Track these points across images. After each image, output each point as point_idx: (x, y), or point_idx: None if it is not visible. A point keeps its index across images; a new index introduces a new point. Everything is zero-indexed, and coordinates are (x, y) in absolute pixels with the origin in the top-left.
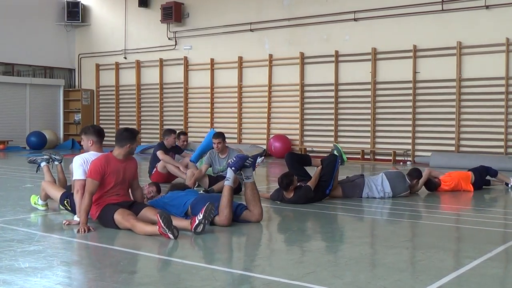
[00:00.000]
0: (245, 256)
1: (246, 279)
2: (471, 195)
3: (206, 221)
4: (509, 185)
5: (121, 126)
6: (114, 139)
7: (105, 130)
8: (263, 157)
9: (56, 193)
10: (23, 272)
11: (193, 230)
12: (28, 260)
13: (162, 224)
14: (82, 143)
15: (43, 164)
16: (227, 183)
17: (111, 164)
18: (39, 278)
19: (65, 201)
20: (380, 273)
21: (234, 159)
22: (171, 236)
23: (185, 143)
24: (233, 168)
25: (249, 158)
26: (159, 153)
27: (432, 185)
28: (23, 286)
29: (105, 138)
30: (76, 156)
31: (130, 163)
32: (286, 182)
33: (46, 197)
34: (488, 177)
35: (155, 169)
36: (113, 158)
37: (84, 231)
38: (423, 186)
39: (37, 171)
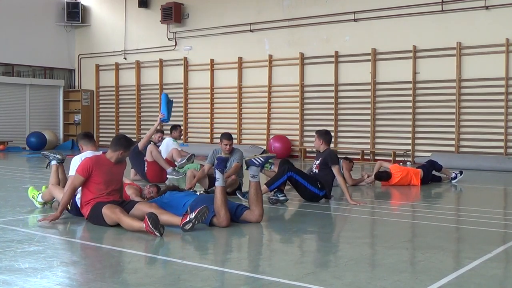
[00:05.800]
0: (245, 256)
1: (246, 279)
2: (467, 193)
3: (197, 222)
4: (454, 177)
5: (121, 127)
6: (111, 140)
7: (105, 130)
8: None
9: (61, 196)
10: (23, 272)
11: (181, 226)
12: (28, 260)
13: (149, 224)
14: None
15: (53, 162)
16: (217, 184)
17: (101, 164)
18: (39, 279)
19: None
20: (380, 273)
21: (217, 161)
22: (157, 234)
23: (181, 134)
24: (218, 169)
25: (259, 158)
26: (150, 146)
27: (384, 175)
28: (23, 287)
29: (103, 139)
30: (75, 156)
31: (120, 166)
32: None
33: (49, 199)
34: (434, 172)
35: (145, 163)
36: (105, 159)
37: (49, 221)
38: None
39: (47, 167)
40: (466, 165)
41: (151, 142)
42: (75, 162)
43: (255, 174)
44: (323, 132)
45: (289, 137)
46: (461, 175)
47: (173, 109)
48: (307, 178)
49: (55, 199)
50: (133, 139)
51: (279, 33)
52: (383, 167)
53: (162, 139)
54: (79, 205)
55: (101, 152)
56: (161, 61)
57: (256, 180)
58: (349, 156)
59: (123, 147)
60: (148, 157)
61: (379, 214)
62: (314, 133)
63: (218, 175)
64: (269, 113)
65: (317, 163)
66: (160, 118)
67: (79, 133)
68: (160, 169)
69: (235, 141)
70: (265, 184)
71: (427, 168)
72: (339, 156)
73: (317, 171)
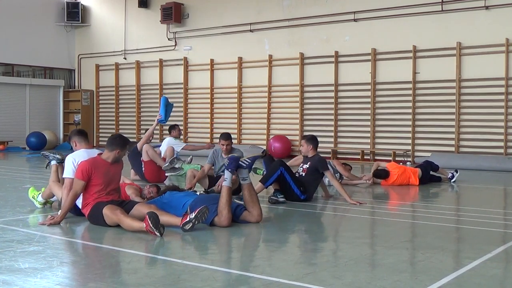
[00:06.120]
0: (245, 256)
1: (246, 279)
2: (460, 193)
3: (197, 222)
4: (451, 177)
5: (120, 127)
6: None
7: (104, 130)
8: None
9: (61, 194)
10: (23, 272)
11: (181, 226)
12: (28, 260)
13: (150, 223)
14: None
15: (53, 162)
16: (225, 184)
17: (98, 166)
18: (39, 279)
19: None
20: (380, 273)
21: (228, 161)
22: (157, 233)
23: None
24: (229, 169)
25: (246, 159)
26: (145, 146)
27: (382, 173)
28: (23, 287)
29: (103, 139)
30: (68, 155)
31: (117, 166)
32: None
33: (49, 196)
34: (433, 172)
35: (142, 163)
36: (101, 160)
37: (50, 224)
38: (374, 176)
39: (46, 167)
40: (466, 165)
41: None
42: (69, 162)
43: (245, 176)
44: (311, 137)
45: (289, 137)
46: (457, 173)
47: (173, 109)
48: (294, 178)
49: (55, 199)
50: (132, 139)
51: (279, 33)
52: (381, 166)
53: (160, 139)
54: (79, 206)
55: (95, 151)
56: (161, 61)
57: (247, 182)
58: (347, 156)
59: (120, 146)
60: (144, 157)
61: (379, 214)
62: (314, 133)
63: (227, 175)
64: (269, 113)
65: (304, 167)
66: (158, 119)
67: (73, 130)
68: (158, 168)
69: (235, 141)
70: (259, 181)
71: (425, 167)
72: (338, 156)
73: (303, 174)
